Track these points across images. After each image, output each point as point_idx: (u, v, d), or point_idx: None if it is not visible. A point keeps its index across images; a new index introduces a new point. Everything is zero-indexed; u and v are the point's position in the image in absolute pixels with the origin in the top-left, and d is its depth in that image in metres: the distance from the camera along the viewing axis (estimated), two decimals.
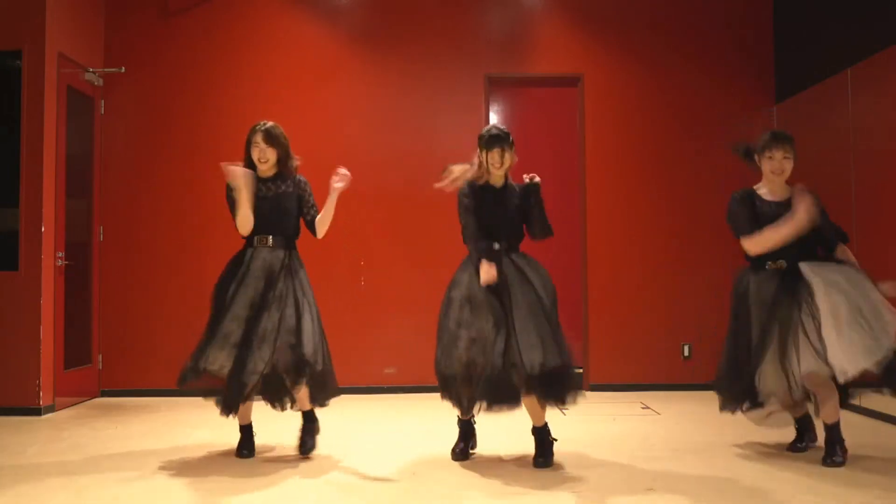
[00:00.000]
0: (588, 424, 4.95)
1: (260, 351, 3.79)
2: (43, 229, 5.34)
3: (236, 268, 3.96)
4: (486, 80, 6.39)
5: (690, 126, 6.39)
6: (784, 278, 3.83)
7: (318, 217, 4.13)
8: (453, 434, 4.13)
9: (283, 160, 4.10)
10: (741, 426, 4.66)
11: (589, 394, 6.20)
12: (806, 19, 6.04)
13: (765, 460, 3.94)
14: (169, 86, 6.28)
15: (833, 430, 3.83)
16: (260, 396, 4.03)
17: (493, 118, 6.59)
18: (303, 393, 3.99)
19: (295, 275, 3.99)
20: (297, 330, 3.88)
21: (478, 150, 3.97)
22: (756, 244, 3.84)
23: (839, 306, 3.68)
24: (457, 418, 4.03)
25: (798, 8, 6.17)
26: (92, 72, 6.03)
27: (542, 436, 3.91)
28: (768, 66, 6.46)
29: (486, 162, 3.92)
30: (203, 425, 4.76)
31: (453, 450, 4.01)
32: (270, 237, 4.00)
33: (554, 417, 5.20)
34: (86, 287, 6.01)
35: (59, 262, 5.54)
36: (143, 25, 6.32)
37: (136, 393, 6.03)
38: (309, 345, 3.89)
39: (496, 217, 3.91)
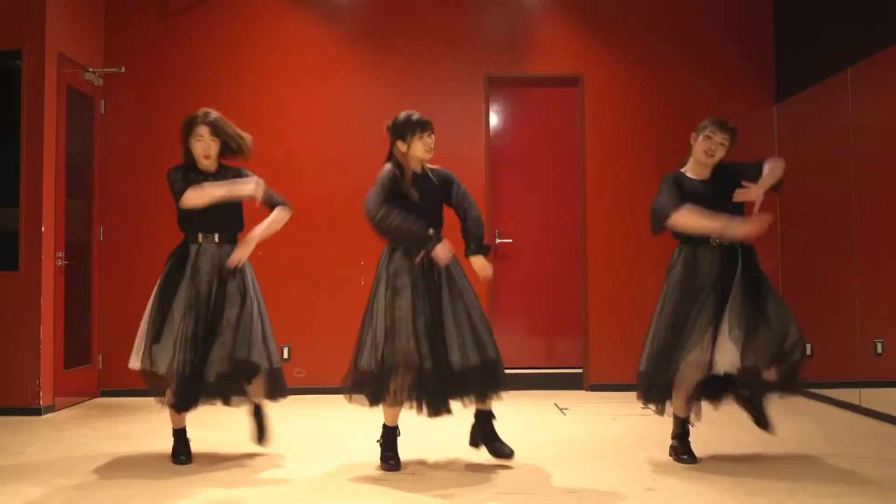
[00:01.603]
0: (588, 424, 4.96)
1: (217, 350, 3.73)
2: (43, 229, 5.34)
3: (182, 266, 3.84)
4: (486, 80, 6.39)
5: (690, 126, 6.27)
6: (724, 260, 3.82)
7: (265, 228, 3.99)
8: (452, 434, 4.12)
9: (225, 152, 3.95)
10: (741, 425, 4.66)
11: (589, 394, 6.21)
12: (806, 19, 6.04)
13: (764, 460, 3.95)
14: (169, 86, 6.28)
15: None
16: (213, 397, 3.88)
17: (494, 118, 6.59)
18: (256, 385, 3.90)
19: (241, 273, 3.89)
20: (247, 330, 3.80)
21: (398, 140, 3.90)
22: (686, 219, 3.78)
23: (745, 303, 3.74)
24: (383, 427, 3.83)
25: (798, 8, 6.17)
26: (92, 72, 6.03)
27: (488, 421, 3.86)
28: (768, 66, 6.46)
29: (413, 149, 3.85)
30: (203, 425, 4.76)
31: (388, 460, 3.78)
32: (217, 234, 3.89)
33: (555, 417, 5.21)
34: (86, 287, 6.01)
35: (59, 262, 5.54)
36: (143, 25, 6.32)
37: (136, 393, 6.01)
38: (256, 345, 3.82)
39: (422, 204, 3.80)
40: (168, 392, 3.80)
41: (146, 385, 3.91)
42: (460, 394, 3.69)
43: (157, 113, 6.26)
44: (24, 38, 5.39)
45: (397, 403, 3.69)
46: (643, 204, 6.29)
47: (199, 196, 3.79)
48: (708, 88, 6.41)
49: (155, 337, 3.76)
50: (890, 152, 4.92)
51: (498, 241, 6.49)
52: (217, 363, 3.74)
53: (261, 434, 4.02)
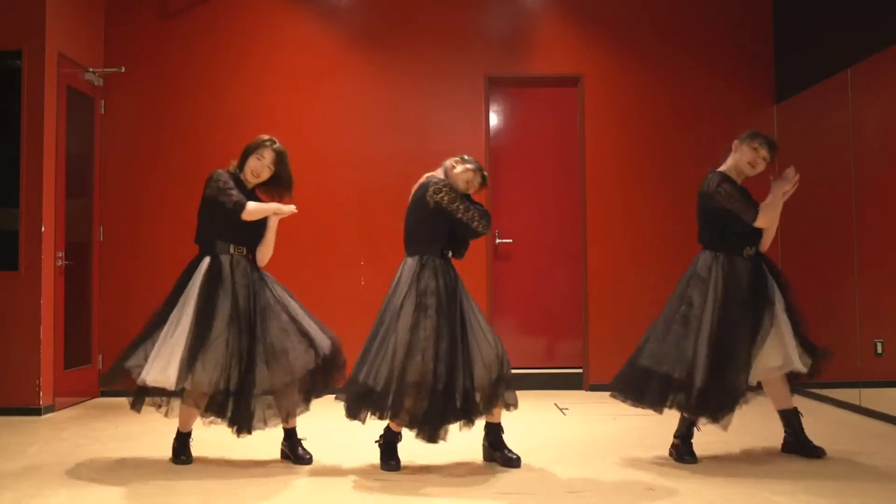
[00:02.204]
0: (588, 424, 4.96)
1: (272, 367, 3.74)
2: (43, 229, 5.34)
3: (219, 280, 3.78)
4: (486, 80, 6.39)
5: (690, 126, 6.39)
6: (755, 268, 3.93)
7: (260, 246, 3.95)
8: (452, 435, 4.12)
9: (272, 184, 4.00)
10: (740, 426, 4.66)
11: (589, 394, 6.21)
12: (806, 19, 6.04)
13: (764, 460, 3.95)
14: (169, 86, 6.28)
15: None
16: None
17: (494, 118, 6.59)
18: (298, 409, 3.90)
19: (271, 285, 3.92)
20: (304, 330, 3.83)
21: (456, 160, 3.92)
22: (766, 218, 3.91)
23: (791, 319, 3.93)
24: (386, 430, 3.82)
25: (798, 8, 6.17)
26: (92, 72, 6.03)
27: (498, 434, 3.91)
28: (768, 66, 6.46)
29: (457, 176, 3.87)
30: (203, 426, 4.76)
31: (389, 461, 3.79)
32: (246, 248, 3.91)
33: (555, 417, 5.21)
34: (86, 287, 6.01)
35: (59, 262, 5.54)
36: (142, 25, 6.32)
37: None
38: (324, 338, 3.87)
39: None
40: (198, 405, 3.74)
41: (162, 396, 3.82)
42: (458, 418, 3.69)
43: (157, 113, 6.27)
44: (24, 38, 5.39)
45: (407, 424, 3.66)
46: (643, 204, 6.35)
47: (259, 211, 3.84)
48: (708, 88, 6.41)
49: (195, 354, 3.67)
50: (890, 152, 4.92)
51: (498, 241, 6.50)
52: (274, 377, 3.74)
53: (303, 455, 3.94)
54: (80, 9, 5.94)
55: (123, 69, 6.19)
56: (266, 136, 4.00)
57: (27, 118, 5.37)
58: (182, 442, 3.96)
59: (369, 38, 6.39)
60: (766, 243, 4.01)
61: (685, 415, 3.92)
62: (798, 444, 4.01)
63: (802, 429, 4.03)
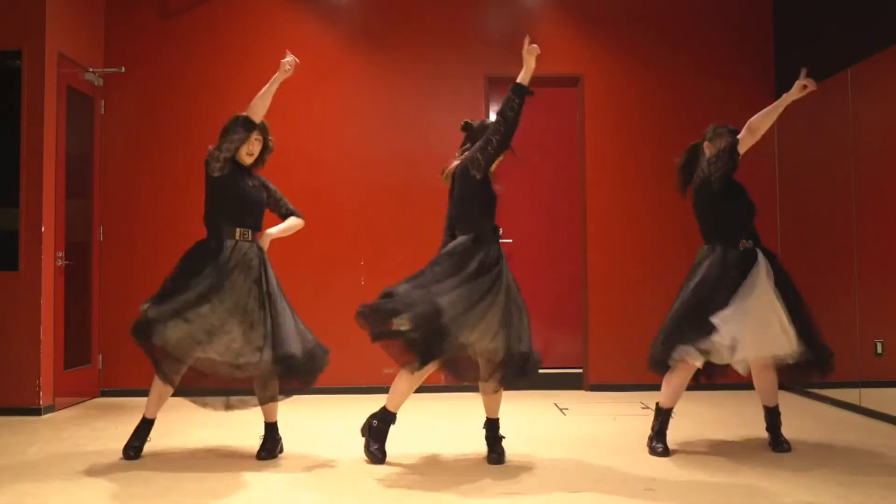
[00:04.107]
0: (588, 424, 4.96)
1: (262, 352, 3.80)
2: (43, 229, 5.34)
3: (214, 258, 3.88)
4: (486, 80, 6.39)
5: (690, 126, 6.34)
6: (747, 260, 4.06)
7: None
8: (452, 434, 4.13)
9: (262, 155, 4.14)
10: (741, 426, 4.67)
11: (589, 394, 6.21)
12: (806, 19, 6.04)
13: (764, 460, 3.95)
14: (169, 86, 6.28)
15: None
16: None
17: (493, 118, 6.59)
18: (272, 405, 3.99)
19: (268, 271, 4.02)
20: (283, 333, 3.91)
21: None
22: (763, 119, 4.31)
23: (766, 298, 3.96)
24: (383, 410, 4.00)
25: (798, 8, 6.17)
26: (92, 72, 6.03)
27: (495, 430, 3.96)
28: (768, 66, 6.46)
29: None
30: (203, 425, 4.77)
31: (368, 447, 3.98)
32: (250, 231, 4.00)
33: (555, 417, 5.21)
34: (86, 287, 6.01)
35: (59, 262, 5.54)
36: (143, 25, 6.32)
37: (136, 393, 6.01)
38: (296, 344, 3.90)
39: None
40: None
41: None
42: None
43: (157, 113, 6.27)
44: (24, 38, 5.39)
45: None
46: (643, 203, 6.35)
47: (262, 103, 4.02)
48: (708, 88, 6.41)
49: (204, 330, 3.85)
50: (890, 152, 4.93)
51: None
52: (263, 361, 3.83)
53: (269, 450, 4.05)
54: (80, 9, 5.94)
55: (123, 69, 6.19)
56: (241, 116, 4.06)
57: (27, 118, 5.37)
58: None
59: (369, 38, 6.39)
60: None
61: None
62: (771, 440, 4.13)
63: (778, 427, 4.13)
